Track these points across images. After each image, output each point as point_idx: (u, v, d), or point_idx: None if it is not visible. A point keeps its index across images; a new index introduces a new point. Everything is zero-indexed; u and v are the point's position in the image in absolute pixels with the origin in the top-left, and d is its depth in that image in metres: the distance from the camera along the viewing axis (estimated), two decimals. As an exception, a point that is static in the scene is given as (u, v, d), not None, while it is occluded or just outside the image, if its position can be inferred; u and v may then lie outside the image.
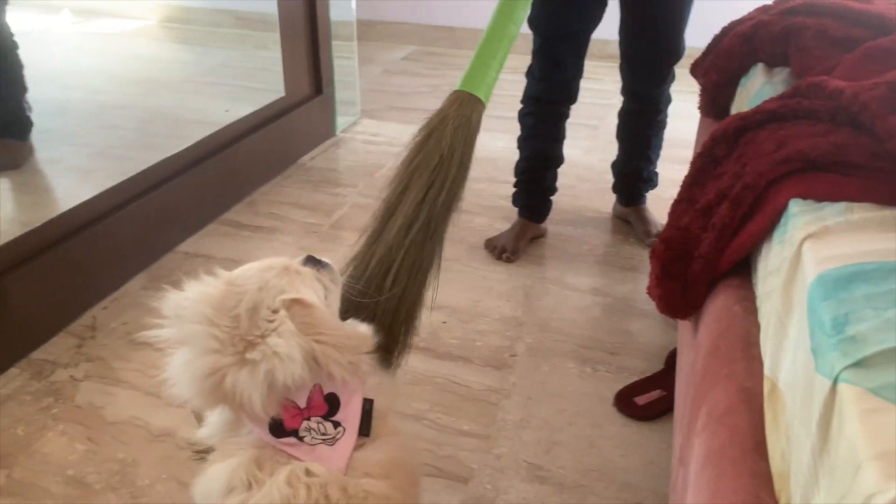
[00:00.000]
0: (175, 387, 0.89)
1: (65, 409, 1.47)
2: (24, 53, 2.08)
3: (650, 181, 2.16)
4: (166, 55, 3.56)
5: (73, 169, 2.40)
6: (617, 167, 2.20)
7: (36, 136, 2.34)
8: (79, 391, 1.52)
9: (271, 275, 0.92)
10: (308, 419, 0.88)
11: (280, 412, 0.87)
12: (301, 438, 0.88)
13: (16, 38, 2.08)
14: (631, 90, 2.04)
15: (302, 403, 0.88)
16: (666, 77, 1.97)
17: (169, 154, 2.09)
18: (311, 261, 1.00)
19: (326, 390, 0.89)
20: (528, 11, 1.40)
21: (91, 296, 1.80)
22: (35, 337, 1.65)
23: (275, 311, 0.88)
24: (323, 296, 0.97)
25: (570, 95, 1.99)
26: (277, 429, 0.88)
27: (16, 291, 1.58)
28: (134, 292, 1.86)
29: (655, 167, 2.16)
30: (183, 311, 0.89)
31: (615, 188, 2.23)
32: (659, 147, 2.12)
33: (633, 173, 2.14)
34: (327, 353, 0.87)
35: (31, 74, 2.15)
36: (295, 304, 0.89)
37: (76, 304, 1.76)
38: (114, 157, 2.40)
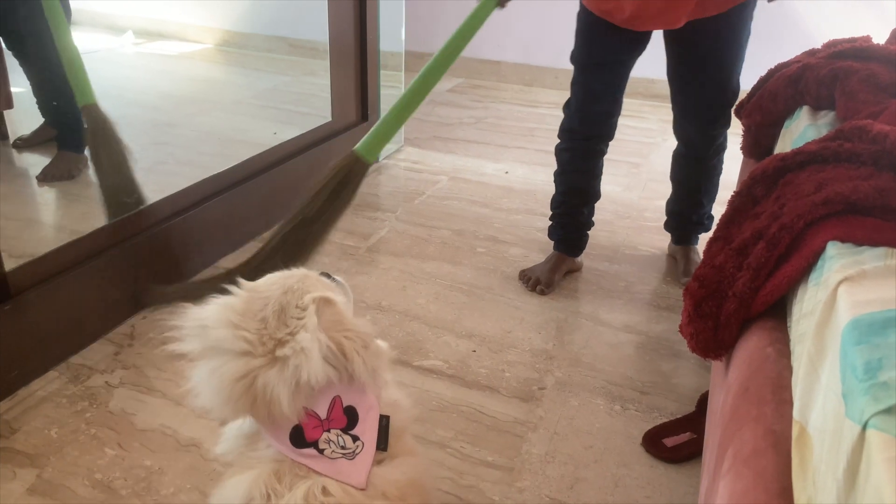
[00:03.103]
0: (200, 396, 0.90)
1: (98, 413, 1.50)
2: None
3: (701, 224, 2.11)
4: (220, 77, 3.69)
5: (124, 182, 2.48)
6: (668, 206, 2.17)
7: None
8: (113, 397, 1.55)
9: (293, 280, 0.94)
10: (328, 431, 0.89)
11: (302, 416, 0.88)
12: (321, 451, 0.89)
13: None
14: (680, 134, 1.99)
15: (322, 414, 0.89)
16: (716, 121, 1.87)
17: (215, 172, 2.15)
18: (325, 275, 1.04)
19: (345, 402, 0.91)
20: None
21: (132, 305, 1.85)
22: (76, 342, 1.69)
23: (303, 309, 0.90)
24: (350, 305, 1.01)
25: (607, 131, 1.93)
26: (298, 439, 0.89)
27: (61, 297, 1.64)
28: (173, 304, 1.90)
29: (708, 211, 2.11)
30: (206, 321, 0.90)
31: (666, 226, 2.21)
32: (712, 192, 2.06)
33: (683, 215, 2.11)
34: (356, 348, 0.89)
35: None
36: (323, 302, 0.91)
37: (117, 313, 1.81)
38: (163, 173, 2.48)
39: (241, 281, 0.96)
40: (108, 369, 1.64)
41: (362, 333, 0.92)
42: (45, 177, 2.26)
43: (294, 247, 1.66)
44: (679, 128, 1.97)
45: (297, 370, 0.85)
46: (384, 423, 0.93)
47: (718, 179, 2.05)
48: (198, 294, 1.47)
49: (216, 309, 0.92)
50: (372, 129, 1.66)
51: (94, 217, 1.87)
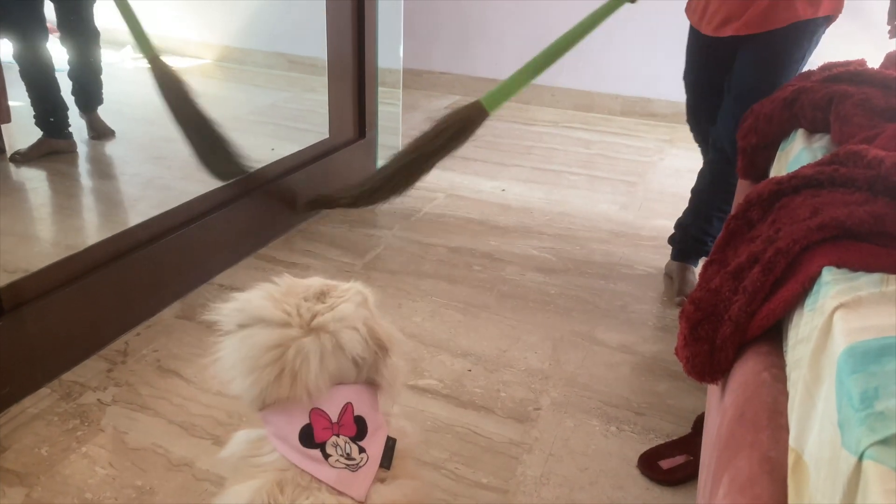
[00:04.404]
0: (225, 366, 0.93)
1: (89, 431, 1.49)
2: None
3: (705, 245, 2.11)
4: (219, 93, 3.69)
5: (121, 197, 2.49)
6: (680, 219, 2.20)
7: (89, 164, 2.45)
8: (105, 415, 1.54)
9: (332, 282, 1.00)
10: (337, 436, 0.91)
11: (322, 394, 0.90)
12: (327, 456, 0.89)
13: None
14: (714, 143, 2.01)
15: (333, 417, 0.91)
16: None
17: (212, 188, 2.15)
18: None
19: (357, 412, 0.92)
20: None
21: (126, 321, 1.84)
22: (68, 358, 1.68)
23: (345, 291, 0.95)
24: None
25: (705, 147, 2.06)
26: (307, 438, 0.90)
27: (54, 313, 1.63)
28: (167, 320, 1.89)
29: (716, 232, 2.11)
30: (252, 298, 0.95)
31: (671, 239, 2.22)
32: (726, 212, 2.07)
33: (689, 228, 2.13)
34: (391, 339, 0.94)
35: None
36: (361, 297, 0.96)
37: (111, 329, 1.80)
38: (160, 188, 2.48)
39: (285, 275, 1.01)
40: (100, 386, 1.63)
41: (392, 337, 0.97)
42: (25, 157, 2.36)
43: (405, 176, 1.92)
44: (714, 137, 2.01)
45: (335, 335, 0.90)
46: (391, 444, 0.95)
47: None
48: (348, 199, 1.96)
49: (259, 291, 0.96)
50: (499, 84, 1.91)
51: (89, 232, 1.87)
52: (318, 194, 2.27)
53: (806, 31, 1.76)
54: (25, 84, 2.28)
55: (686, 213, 2.16)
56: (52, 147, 2.40)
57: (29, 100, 2.32)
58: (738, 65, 1.86)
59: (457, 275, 2.20)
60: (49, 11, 2.31)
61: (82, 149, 2.61)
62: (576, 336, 1.90)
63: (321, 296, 0.95)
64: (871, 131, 1.14)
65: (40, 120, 2.36)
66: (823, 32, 1.80)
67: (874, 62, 1.55)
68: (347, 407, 0.92)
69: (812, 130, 1.36)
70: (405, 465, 0.99)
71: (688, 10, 1.97)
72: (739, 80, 1.85)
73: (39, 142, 2.37)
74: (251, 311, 0.93)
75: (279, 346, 0.89)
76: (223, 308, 0.96)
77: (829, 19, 1.77)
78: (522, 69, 1.86)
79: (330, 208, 2.04)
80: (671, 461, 1.44)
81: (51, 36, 2.33)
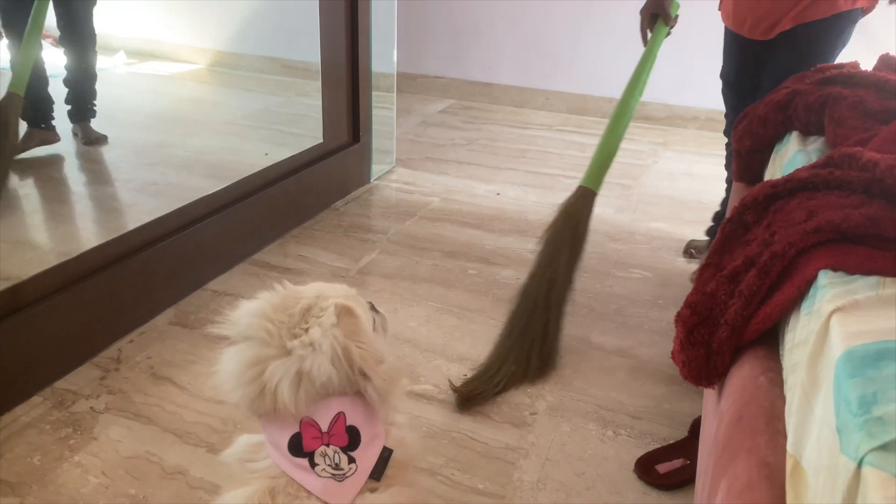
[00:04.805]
0: (221, 377, 0.94)
1: (82, 440, 1.48)
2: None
3: None
4: (212, 98, 3.68)
5: (114, 203, 2.47)
6: (718, 211, 2.28)
7: (82, 170, 2.43)
8: (97, 423, 1.52)
9: (332, 290, 0.99)
10: (327, 445, 0.90)
11: (304, 415, 0.90)
12: (314, 465, 0.89)
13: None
14: None
15: (324, 426, 0.91)
16: None
17: (206, 193, 2.14)
18: (370, 304, 1.09)
19: (350, 422, 0.92)
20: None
21: (119, 328, 1.83)
22: (61, 366, 1.67)
23: (323, 310, 0.94)
24: (371, 325, 1.02)
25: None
26: (296, 447, 0.90)
27: (47, 320, 1.62)
28: (161, 327, 1.88)
29: None
30: (247, 312, 0.96)
31: (709, 232, 2.31)
32: None
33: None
34: (365, 356, 0.92)
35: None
36: (344, 311, 0.94)
37: (104, 336, 1.79)
38: (154, 194, 2.46)
39: (286, 282, 1.01)
40: (93, 394, 1.61)
41: (377, 349, 0.95)
42: (17, 149, 2.42)
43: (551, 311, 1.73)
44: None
45: (301, 360, 0.89)
46: (386, 455, 0.94)
47: None
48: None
49: (258, 302, 0.97)
50: (592, 160, 1.87)
51: (82, 238, 1.86)
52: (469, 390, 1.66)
53: (843, 23, 1.78)
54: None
55: (723, 202, 2.23)
56: (40, 137, 2.47)
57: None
58: (774, 59, 1.87)
59: (452, 279, 2.19)
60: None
61: (75, 154, 2.61)
62: (571, 339, 1.90)
63: (305, 313, 0.94)
64: (866, 133, 1.14)
65: (26, 112, 2.44)
66: (855, 26, 1.83)
67: (867, 64, 1.55)
68: (339, 417, 0.91)
69: (806, 133, 1.36)
70: (403, 474, 0.98)
71: (726, 17, 1.99)
72: (776, 73, 1.85)
73: (28, 134, 2.44)
74: (240, 326, 0.94)
75: (258, 364, 0.90)
76: (228, 317, 0.97)
77: (863, 11, 1.79)
78: (606, 135, 1.85)
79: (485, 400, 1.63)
80: (668, 465, 1.44)
81: (44, 42, 2.34)
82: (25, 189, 2.37)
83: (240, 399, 0.93)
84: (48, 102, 2.44)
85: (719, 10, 2.03)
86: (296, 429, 0.91)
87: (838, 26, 1.78)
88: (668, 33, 1.94)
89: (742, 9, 1.90)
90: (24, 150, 2.43)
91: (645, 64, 1.91)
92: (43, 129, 2.46)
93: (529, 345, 1.72)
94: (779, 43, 1.85)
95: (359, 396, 0.94)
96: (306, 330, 0.92)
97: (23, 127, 2.40)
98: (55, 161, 2.58)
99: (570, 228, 1.79)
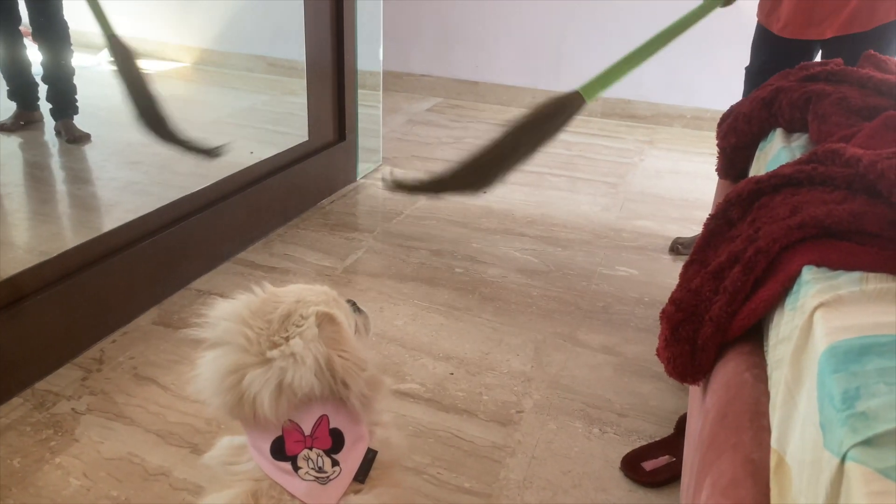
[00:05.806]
0: (199, 383, 0.92)
1: (63, 441, 1.45)
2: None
3: None
4: (197, 96, 3.65)
5: (97, 202, 2.44)
6: None
7: (65, 169, 2.40)
8: (79, 424, 1.50)
9: (312, 294, 0.97)
10: (310, 449, 0.89)
11: (287, 424, 0.89)
12: (297, 469, 0.89)
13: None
14: None
15: (307, 430, 0.90)
16: None
17: (189, 192, 2.12)
18: (352, 303, 1.07)
19: (333, 424, 0.91)
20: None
21: (101, 329, 1.80)
22: (42, 367, 1.64)
23: (305, 318, 0.92)
24: (353, 329, 1.01)
25: None
26: (279, 450, 0.89)
27: (28, 320, 1.59)
28: (144, 327, 1.86)
29: None
30: (224, 314, 0.93)
31: None
32: None
33: None
34: (347, 367, 0.90)
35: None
36: (326, 319, 0.93)
37: (86, 337, 1.76)
38: (136, 192, 2.44)
39: (265, 284, 1.00)
40: (74, 395, 1.59)
41: (359, 358, 0.93)
42: (5, 128, 2.56)
43: (490, 167, 1.65)
44: None
45: (282, 372, 0.87)
46: (370, 456, 0.93)
47: None
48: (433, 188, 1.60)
49: (235, 304, 0.95)
50: (599, 73, 1.76)
51: (64, 238, 1.83)
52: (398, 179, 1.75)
53: (892, 32, 1.81)
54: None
55: None
56: (27, 118, 2.55)
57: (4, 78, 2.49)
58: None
59: (438, 278, 2.18)
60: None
61: (59, 152, 2.59)
62: (558, 338, 1.90)
63: (285, 320, 0.92)
64: (849, 130, 1.14)
65: (13, 94, 2.51)
66: None
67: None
68: (323, 420, 0.90)
69: (790, 130, 1.36)
70: (388, 475, 0.97)
71: (761, 13, 2.02)
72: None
73: (16, 114, 2.52)
74: (219, 330, 0.93)
75: (236, 371, 0.89)
76: (204, 321, 0.95)
77: None
78: (622, 60, 1.74)
79: (410, 194, 1.71)
80: (654, 462, 1.44)
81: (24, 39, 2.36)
82: (7, 188, 2.33)
83: (219, 406, 0.91)
84: (34, 85, 2.50)
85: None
86: (278, 433, 0.90)
87: (888, 36, 1.82)
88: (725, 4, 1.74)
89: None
90: (11, 132, 2.53)
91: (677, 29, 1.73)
92: (32, 111, 2.55)
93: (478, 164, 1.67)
94: (825, 49, 1.89)
95: (342, 399, 0.93)
96: (286, 339, 0.90)
97: (10, 110, 2.51)
98: (38, 159, 2.56)
99: (544, 117, 1.78)
